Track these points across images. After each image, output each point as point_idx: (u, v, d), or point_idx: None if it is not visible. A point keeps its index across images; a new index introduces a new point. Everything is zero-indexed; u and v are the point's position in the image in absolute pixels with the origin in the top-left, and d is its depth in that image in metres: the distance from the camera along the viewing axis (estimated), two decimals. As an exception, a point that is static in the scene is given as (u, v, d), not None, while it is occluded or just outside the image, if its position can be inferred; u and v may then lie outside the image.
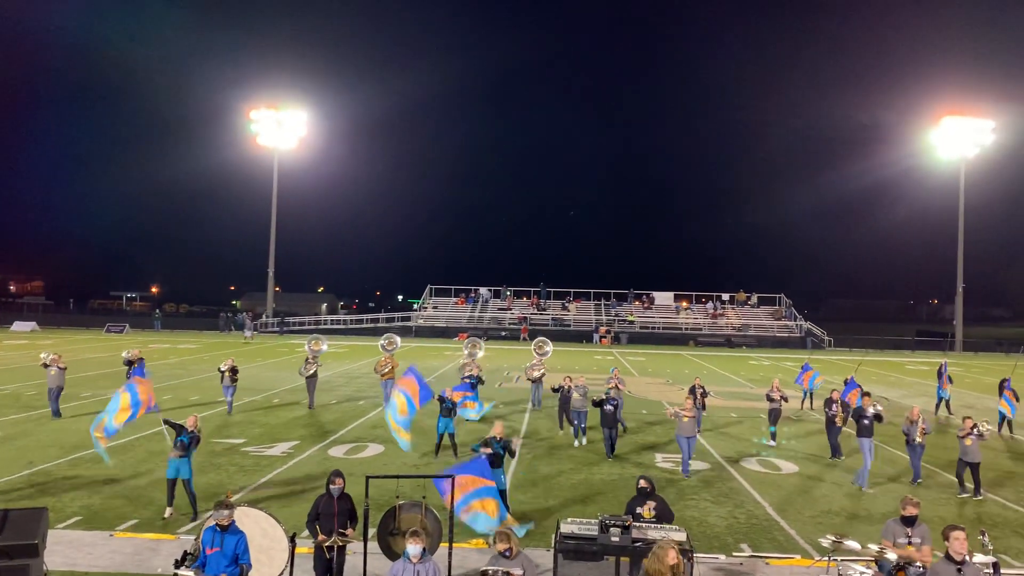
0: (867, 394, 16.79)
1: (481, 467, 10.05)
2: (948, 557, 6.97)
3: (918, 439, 14.67)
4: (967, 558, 7.00)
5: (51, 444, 16.64)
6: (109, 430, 12.17)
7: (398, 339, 26.55)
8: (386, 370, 22.89)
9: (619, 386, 19.93)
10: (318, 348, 24.99)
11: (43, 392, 23.76)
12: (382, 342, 26.19)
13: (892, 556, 8.17)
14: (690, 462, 15.41)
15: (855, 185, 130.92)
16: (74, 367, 31.41)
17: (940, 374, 24.85)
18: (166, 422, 12.11)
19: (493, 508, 9.55)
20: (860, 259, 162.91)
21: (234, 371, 21.19)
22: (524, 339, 58.30)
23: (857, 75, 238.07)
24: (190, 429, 11.96)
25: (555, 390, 19.66)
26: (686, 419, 15.28)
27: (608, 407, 16.88)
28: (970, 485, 14.20)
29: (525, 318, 64.94)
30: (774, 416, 18.78)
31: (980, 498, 13.93)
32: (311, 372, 22.91)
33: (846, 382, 20.89)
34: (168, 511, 11.73)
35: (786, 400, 19.00)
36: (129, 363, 21.27)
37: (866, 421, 15.00)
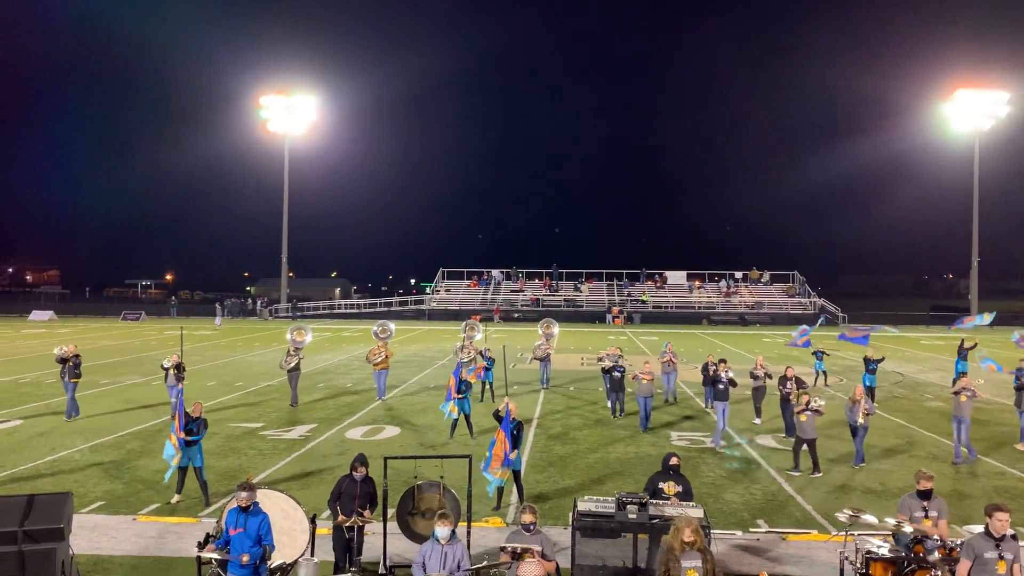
0: (723, 360, 17.21)
1: (503, 427, 11.32)
2: (987, 532, 6.95)
3: (860, 421, 14.19)
4: (1006, 535, 6.97)
5: (71, 431, 16.84)
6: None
7: (392, 326, 24.91)
8: (379, 359, 21.28)
9: (672, 360, 20.60)
10: (302, 339, 22.10)
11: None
12: (375, 329, 24.25)
13: (909, 529, 8.19)
14: (648, 421, 17.56)
15: (868, 160, 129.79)
16: (91, 355, 31.71)
17: (961, 349, 24.73)
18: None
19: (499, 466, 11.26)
20: (874, 234, 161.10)
21: (180, 368, 18.45)
22: (496, 320, 58.55)
23: (869, 48, 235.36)
24: (195, 416, 11.97)
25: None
26: (644, 381, 17.42)
27: (616, 374, 18.91)
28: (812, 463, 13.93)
29: (535, 301, 64.98)
30: (758, 394, 18.78)
31: (819, 475, 13.67)
32: (292, 365, 20.29)
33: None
34: (176, 498, 11.85)
35: (770, 377, 18.84)
36: (63, 360, 18.39)
37: (720, 386, 16.13)
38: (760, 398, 18.77)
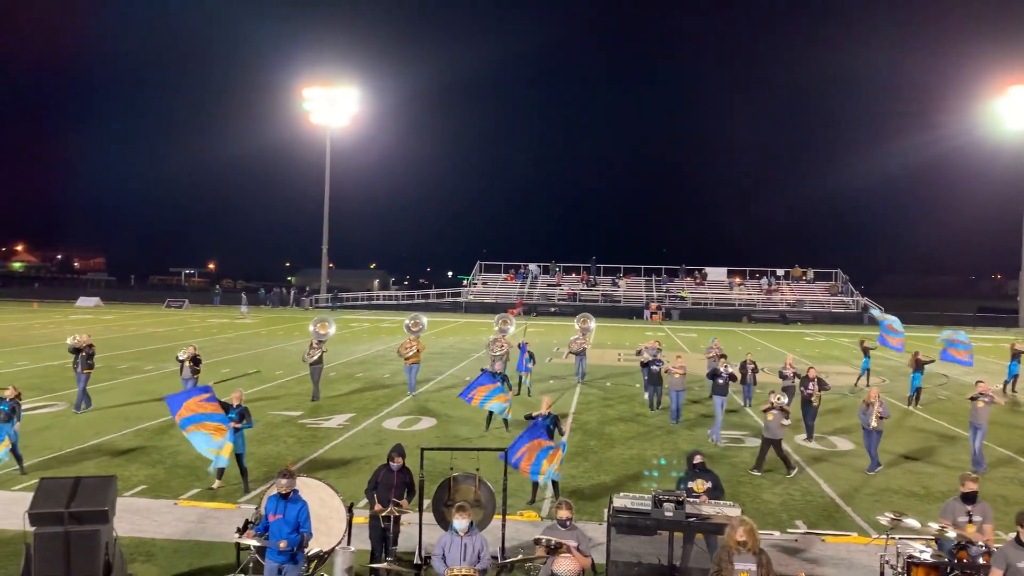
0: (723, 356, 17.50)
1: (537, 431, 10.80)
2: (1018, 540, 6.76)
3: (873, 424, 13.78)
4: None
5: (116, 416, 17.19)
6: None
7: (424, 320, 24.13)
8: (410, 353, 20.95)
9: (717, 355, 20.58)
10: (325, 332, 21.58)
11: (108, 364, 24.60)
12: (407, 322, 23.44)
13: (952, 535, 8.01)
14: (679, 415, 17.93)
15: (915, 157, 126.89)
16: (136, 341, 32.40)
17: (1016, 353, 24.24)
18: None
19: (558, 457, 10.75)
20: (920, 233, 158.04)
21: (196, 361, 18.31)
22: (518, 314, 58.19)
23: (919, 43, 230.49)
24: (235, 404, 12.14)
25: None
26: (677, 376, 17.78)
27: (654, 367, 19.24)
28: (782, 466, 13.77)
29: (572, 295, 64.80)
30: (786, 395, 18.43)
31: (793, 474, 13.44)
32: (315, 358, 19.91)
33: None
34: (216, 483, 12.05)
35: (798, 377, 18.53)
36: (76, 351, 17.98)
37: (720, 381, 16.49)
38: (788, 398, 18.46)
